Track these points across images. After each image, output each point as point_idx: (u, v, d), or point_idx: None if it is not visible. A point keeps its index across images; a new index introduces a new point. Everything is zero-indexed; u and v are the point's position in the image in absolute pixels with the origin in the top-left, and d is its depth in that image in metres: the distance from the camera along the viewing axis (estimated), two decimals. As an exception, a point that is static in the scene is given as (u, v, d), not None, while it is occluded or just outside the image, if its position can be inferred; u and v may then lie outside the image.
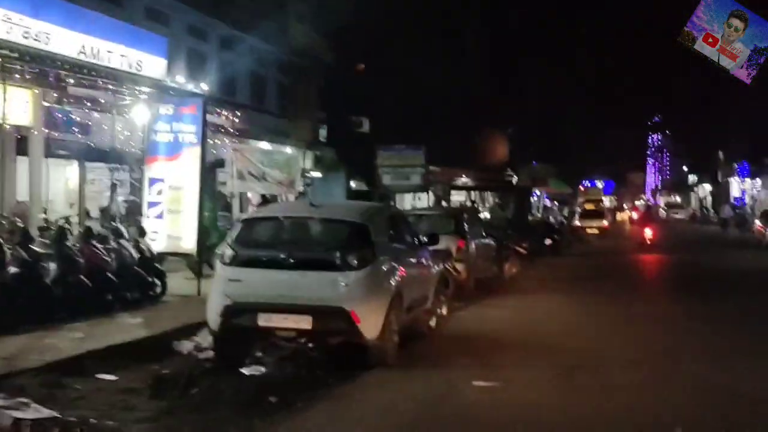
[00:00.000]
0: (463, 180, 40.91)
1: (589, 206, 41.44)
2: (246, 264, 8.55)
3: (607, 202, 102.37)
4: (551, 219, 37.23)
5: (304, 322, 8.30)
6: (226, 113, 17.91)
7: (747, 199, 57.25)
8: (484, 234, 17.64)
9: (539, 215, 41.04)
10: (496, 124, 43.25)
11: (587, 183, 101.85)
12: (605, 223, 38.48)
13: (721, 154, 61.23)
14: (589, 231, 37.07)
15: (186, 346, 9.74)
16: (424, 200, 35.13)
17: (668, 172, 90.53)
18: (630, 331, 11.28)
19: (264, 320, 8.40)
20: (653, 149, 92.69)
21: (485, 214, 35.61)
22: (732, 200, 57.87)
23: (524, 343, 10.20)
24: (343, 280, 8.30)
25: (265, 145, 19.77)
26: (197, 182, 13.69)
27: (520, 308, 13.85)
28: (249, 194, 23.05)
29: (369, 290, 8.38)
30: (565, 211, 48.30)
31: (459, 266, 15.32)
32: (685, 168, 77.08)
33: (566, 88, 47.10)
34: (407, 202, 34.66)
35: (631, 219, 58.56)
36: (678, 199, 78.42)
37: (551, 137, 42.75)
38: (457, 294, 14.56)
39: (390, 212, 10.23)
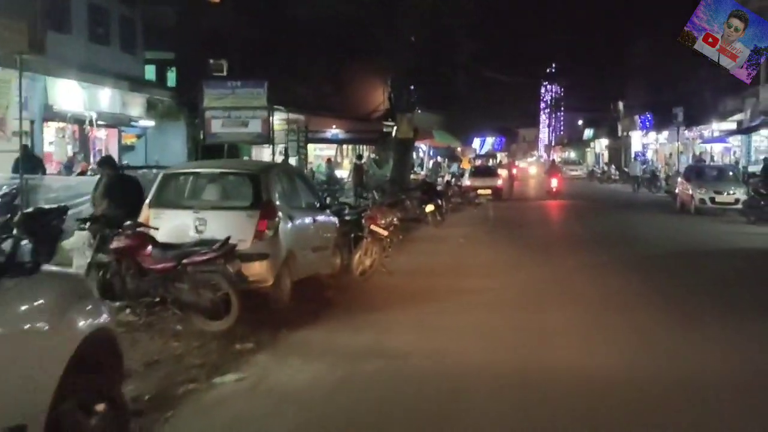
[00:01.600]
0: (333, 131, 34.03)
1: (481, 162, 35.31)
2: None
3: (500, 159, 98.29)
4: (438, 179, 30.92)
5: None
6: None
7: (649, 154, 52.84)
8: (318, 204, 10.83)
9: (423, 173, 34.58)
10: (375, 64, 36.33)
11: (477, 139, 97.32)
12: (499, 182, 32.28)
13: (621, 105, 56.48)
14: (481, 192, 30.85)
15: None
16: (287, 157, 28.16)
17: (562, 127, 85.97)
18: None
19: None
20: (547, 103, 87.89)
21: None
22: (633, 155, 53.29)
23: None
24: None
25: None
26: None
27: (354, 361, 7.00)
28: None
29: None
30: (455, 168, 42.02)
31: (258, 267, 8.51)
32: (580, 122, 72.38)
33: (455, 29, 40.49)
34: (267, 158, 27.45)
35: (512, 176, 53.25)
36: (573, 155, 73.78)
37: (437, 83, 36.16)
38: (251, 318, 7.94)
39: None
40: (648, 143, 53.48)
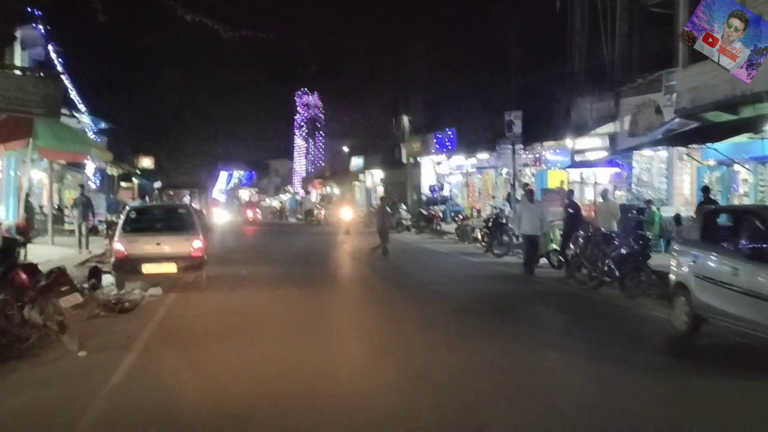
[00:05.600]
0: None
1: (156, 210, 15.78)
2: None
3: (247, 195, 79.60)
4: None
5: None
6: None
7: (446, 188, 37.05)
8: None
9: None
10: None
11: (224, 172, 78.56)
12: (196, 244, 13.30)
13: (406, 121, 40.41)
14: (150, 271, 12.43)
15: None
16: None
17: (322, 157, 69.24)
18: None
19: None
20: (304, 117, 71.03)
21: None
22: (427, 190, 37.21)
23: None
24: None
25: None
26: None
27: None
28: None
29: None
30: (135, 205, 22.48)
31: None
32: (345, 149, 55.92)
33: None
34: None
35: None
36: (336, 190, 56.92)
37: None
38: None
39: None
40: (446, 173, 37.68)
